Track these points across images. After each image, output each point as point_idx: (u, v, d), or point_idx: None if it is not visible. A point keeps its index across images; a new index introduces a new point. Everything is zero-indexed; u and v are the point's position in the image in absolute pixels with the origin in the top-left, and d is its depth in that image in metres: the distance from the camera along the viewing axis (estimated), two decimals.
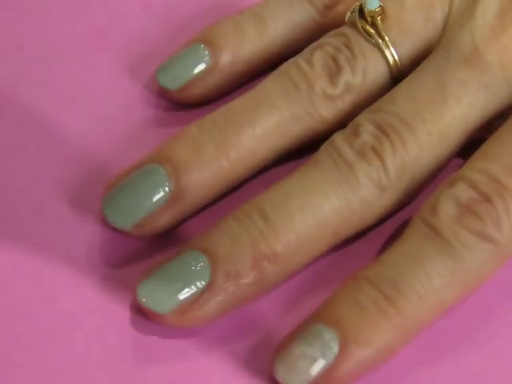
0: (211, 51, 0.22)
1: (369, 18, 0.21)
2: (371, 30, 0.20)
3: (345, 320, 0.18)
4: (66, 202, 0.21)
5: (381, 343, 0.18)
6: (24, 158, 0.22)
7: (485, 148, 0.19)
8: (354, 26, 0.21)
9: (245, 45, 0.22)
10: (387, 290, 0.18)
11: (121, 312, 0.20)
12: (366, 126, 0.19)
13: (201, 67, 0.22)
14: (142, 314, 0.19)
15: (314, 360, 0.18)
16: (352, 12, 0.21)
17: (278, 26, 0.23)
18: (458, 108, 0.20)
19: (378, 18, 0.21)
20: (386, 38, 0.20)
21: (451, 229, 0.18)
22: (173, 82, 0.22)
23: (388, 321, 0.18)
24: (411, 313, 0.18)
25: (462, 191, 0.19)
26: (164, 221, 0.20)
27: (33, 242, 0.21)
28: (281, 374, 0.18)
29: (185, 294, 0.18)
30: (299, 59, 0.21)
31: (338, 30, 0.21)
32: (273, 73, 0.21)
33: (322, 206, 0.19)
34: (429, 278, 0.18)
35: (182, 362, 0.19)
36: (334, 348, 0.18)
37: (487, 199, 0.18)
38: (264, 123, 0.20)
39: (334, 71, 0.20)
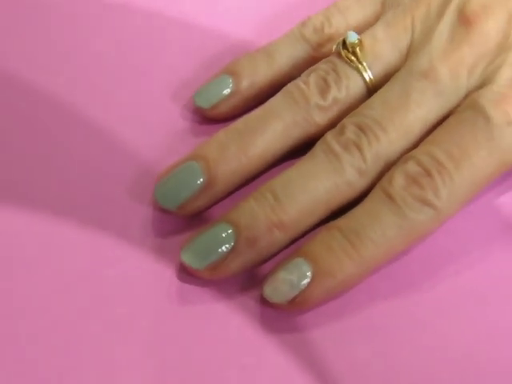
0: (234, 79, 0.26)
1: (350, 49, 0.25)
2: (352, 58, 0.25)
3: (318, 257, 0.22)
4: (128, 191, 0.26)
5: (343, 276, 0.22)
6: (96, 160, 0.26)
7: (433, 135, 0.23)
8: (339, 54, 0.25)
9: (258, 74, 0.27)
10: (351, 237, 0.22)
11: (169, 270, 0.24)
12: (349, 126, 0.24)
13: (226, 91, 0.26)
14: (184, 271, 0.23)
15: (292, 284, 0.22)
16: (337, 44, 0.25)
17: (283, 59, 0.27)
18: (418, 111, 0.24)
19: (357, 48, 0.25)
20: (364, 63, 0.25)
21: (401, 195, 0.22)
22: (205, 102, 0.26)
23: (350, 260, 0.22)
24: (368, 255, 0.22)
25: (411, 167, 0.23)
26: (199, 203, 0.24)
27: (103, 221, 0.25)
28: (267, 293, 0.22)
29: (215, 255, 0.22)
30: (298, 81, 0.25)
31: (328, 58, 0.26)
32: (279, 92, 0.25)
33: (317, 187, 0.23)
34: (382, 231, 0.22)
35: (209, 310, 0.23)
36: (308, 277, 0.22)
37: (429, 174, 0.22)
38: (273, 129, 0.24)
39: (324, 89, 0.25)
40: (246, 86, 0.26)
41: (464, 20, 0.24)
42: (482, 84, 0.24)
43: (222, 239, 0.22)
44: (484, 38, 0.24)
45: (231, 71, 0.27)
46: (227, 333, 0.23)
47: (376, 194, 0.23)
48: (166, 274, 0.23)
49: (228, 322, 0.23)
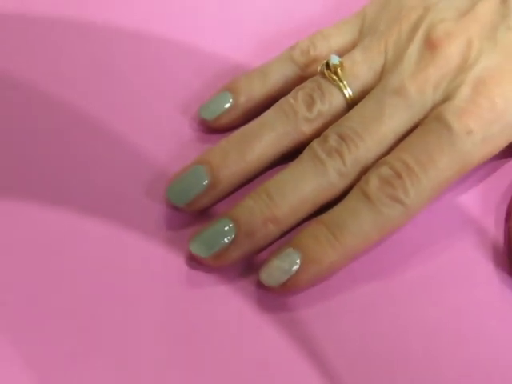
0: (233, 95, 0.28)
1: (332, 69, 0.27)
2: (334, 77, 0.27)
3: (306, 247, 0.24)
4: (144, 191, 0.28)
5: (327, 263, 0.24)
6: (118, 165, 0.29)
7: (404, 143, 0.25)
8: (323, 74, 0.27)
9: (254, 90, 0.28)
10: (334, 230, 0.24)
11: (179, 258, 0.26)
12: (332, 135, 0.26)
13: (227, 106, 0.28)
14: (192, 259, 0.25)
15: (284, 271, 0.24)
16: (322, 65, 0.27)
17: (275, 78, 0.29)
18: (391, 122, 0.26)
19: (339, 69, 0.27)
20: (344, 82, 0.27)
21: (376, 194, 0.24)
22: (209, 115, 0.28)
23: (333, 249, 0.24)
24: (348, 245, 0.24)
25: (385, 171, 0.25)
26: (205, 201, 0.26)
27: (124, 217, 0.27)
28: (263, 278, 0.24)
29: (219, 245, 0.25)
30: (289, 97, 0.27)
31: (313, 77, 0.28)
32: (272, 106, 0.27)
33: (305, 187, 0.25)
34: (360, 224, 0.24)
35: (213, 292, 0.25)
36: (298, 264, 0.24)
37: (399, 176, 0.24)
38: (267, 138, 0.26)
39: (310, 104, 0.27)
40: (244, 100, 0.28)
41: (430, 45, 0.26)
42: (445, 99, 0.26)
43: (224, 232, 0.25)
44: (446, 61, 0.26)
45: (231, 88, 0.29)
46: (228, 311, 0.25)
47: (355, 193, 0.25)
48: (176, 262, 0.26)
49: (229, 302, 0.25)
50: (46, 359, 0.24)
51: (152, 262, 0.26)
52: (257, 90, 0.29)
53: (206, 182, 0.26)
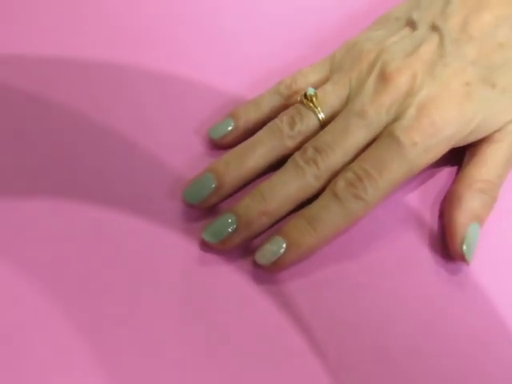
0: (234, 120, 0.31)
1: (309, 98, 0.30)
2: (310, 104, 0.30)
3: (290, 234, 0.28)
4: (166, 193, 0.31)
5: (306, 246, 0.28)
6: (144, 173, 0.31)
7: (364, 154, 0.28)
8: (302, 102, 0.30)
9: (250, 116, 0.31)
10: (312, 221, 0.27)
11: (194, 244, 0.29)
12: (309, 148, 0.29)
13: (229, 128, 0.31)
14: (204, 244, 0.29)
15: (273, 252, 0.28)
16: (301, 96, 0.30)
17: (266, 106, 0.31)
18: (354, 138, 0.28)
19: (314, 98, 0.30)
20: (318, 108, 0.30)
21: (343, 193, 0.27)
22: (216, 135, 0.31)
23: (310, 236, 0.28)
24: (322, 232, 0.28)
25: (349, 175, 0.28)
26: (213, 200, 0.29)
27: (149, 214, 0.30)
28: (257, 258, 0.28)
29: (224, 234, 0.28)
30: (276, 120, 0.30)
31: (295, 105, 0.30)
32: (264, 127, 0.30)
33: (289, 188, 0.28)
34: (331, 217, 0.28)
35: (219, 270, 0.29)
36: (283, 247, 0.27)
37: (360, 180, 0.27)
38: (259, 151, 0.29)
39: (292, 124, 0.29)
40: (242, 124, 0.31)
41: (384, 78, 0.29)
42: (395, 119, 0.28)
43: (228, 224, 0.28)
44: (396, 89, 0.29)
45: (232, 115, 0.32)
46: (230, 285, 0.28)
47: (327, 192, 0.28)
48: (190, 247, 0.29)
49: (231, 277, 0.29)
50: (96, 325, 0.28)
51: (172, 248, 0.29)
52: (252, 116, 0.31)
53: (214, 185, 0.29)
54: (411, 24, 0.31)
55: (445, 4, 0.31)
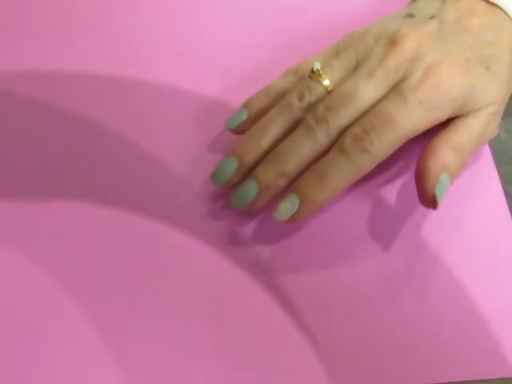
0: (247, 109, 0.33)
1: (316, 72, 0.31)
2: (318, 77, 0.31)
3: (301, 191, 0.29)
4: (167, 195, 0.34)
5: (317, 201, 0.29)
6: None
7: (372, 109, 0.29)
8: (310, 77, 0.31)
9: (261, 103, 0.33)
10: (321, 177, 0.29)
11: (195, 241, 0.32)
12: (320, 108, 0.30)
13: (243, 117, 0.33)
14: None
15: (288, 210, 0.30)
16: (309, 72, 0.31)
17: (275, 92, 0.33)
18: (361, 97, 0.29)
19: (320, 71, 0.31)
20: (326, 79, 0.31)
21: (349, 147, 0.29)
22: (232, 125, 0.33)
23: (319, 191, 0.29)
24: (331, 187, 0.29)
25: (356, 129, 0.29)
26: (236, 179, 0.32)
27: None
28: (276, 216, 0.30)
29: (249, 199, 0.31)
30: (286, 96, 0.31)
31: (303, 81, 0.31)
32: (276, 104, 0.31)
33: (302, 149, 0.30)
34: (339, 171, 0.29)
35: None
36: (297, 204, 0.29)
37: (366, 133, 0.28)
38: (272, 128, 0.31)
39: (301, 97, 0.31)
40: (255, 112, 0.33)
41: (391, 42, 0.30)
42: (403, 79, 0.29)
43: (251, 190, 0.31)
44: (404, 52, 0.30)
45: (245, 105, 0.34)
46: (231, 279, 0.31)
47: (334, 148, 0.29)
48: (195, 244, 0.32)
49: (231, 271, 0.32)
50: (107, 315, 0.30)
51: (178, 244, 0.32)
52: (263, 103, 0.33)
53: (235, 165, 0.31)
54: (410, 16, 0.33)
55: (440, 6, 0.33)
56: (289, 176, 0.30)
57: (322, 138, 0.30)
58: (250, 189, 0.31)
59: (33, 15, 0.40)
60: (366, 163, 0.29)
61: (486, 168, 0.35)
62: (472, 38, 0.31)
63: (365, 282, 0.31)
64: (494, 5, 0.32)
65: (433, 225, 0.33)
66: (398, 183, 0.34)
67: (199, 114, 0.36)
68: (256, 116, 0.33)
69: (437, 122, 0.30)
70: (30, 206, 0.33)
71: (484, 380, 0.29)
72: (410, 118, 0.29)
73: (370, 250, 0.32)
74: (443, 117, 0.30)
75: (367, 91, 0.30)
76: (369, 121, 0.29)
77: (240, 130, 0.34)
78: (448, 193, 0.32)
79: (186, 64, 0.38)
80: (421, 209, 0.33)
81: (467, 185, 0.34)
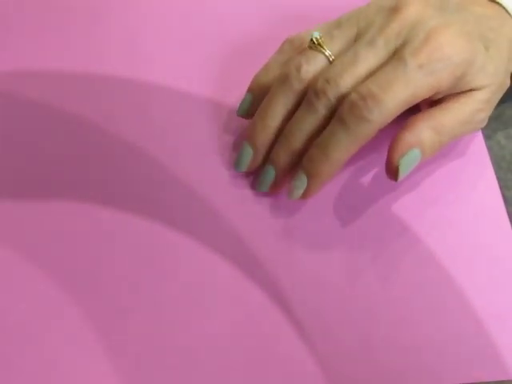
0: (251, 92, 0.33)
1: (315, 41, 0.31)
2: (317, 46, 0.31)
3: (308, 168, 0.30)
4: (167, 196, 0.34)
5: (324, 174, 0.30)
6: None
7: (372, 76, 0.29)
8: (310, 46, 0.31)
9: (263, 82, 0.33)
10: (323, 149, 0.29)
11: (193, 243, 0.32)
12: (319, 80, 0.30)
13: (249, 101, 0.34)
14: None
15: (298, 187, 0.31)
16: (309, 41, 0.31)
17: (274, 68, 0.33)
18: (362, 65, 0.29)
19: (320, 40, 0.30)
20: (325, 48, 0.31)
21: (347, 116, 0.29)
22: (242, 112, 0.34)
23: (324, 163, 0.30)
24: (333, 158, 0.30)
25: (353, 96, 0.28)
26: (254, 165, 0.33)
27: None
28: (289, 196, 0.31)
29: (269, 182, 0.33)
30: (284, 68, 0.32)
31: (303, 50, 0.31)
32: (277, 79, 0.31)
33: (305, 125, 0.30)
34: (339, 142, 0.29)
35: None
36: (306, 180, 0.31)
37: (364, 99, 0.28)
38: (274, 106, 0.31)
39: (299, 67, 0.31)
40: (258, 92, 0.33)
41: (393, 10, 0.30)
42: (404, 44, 0.29)
43: (270, 174, 0.32)
44: (407, 17, 0.30)
45: (249, 88, 0.34)
46: (227, 279, 0.32)
47: (334, 119, 0.29)
48: (193, 245, 0.33)
49: (227, 272, 0.32)
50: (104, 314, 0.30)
51: (175, 245, 0.33)
52: (264, 81, 0.33)
53: (251, 151, 0.33)
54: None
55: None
56: (298, 153, 0.31)
57: (322, 110, 0.30)
58: (269, 173, 0.32)
59: (32, 15, 0.40)
60: (366, 131, 0.29)
61: (485, 173, 0.34)
62: (474, 19, 0.31)
63: (363, 283, 0.31)
64: (497, 3, 0.32)
65: (431, 229, 0.33)
66: (395, 186, 0.34)
67: (199, 114, 0.37)
68: (260, 97, 0.33)
69: (436, 89, 0.29)
70: (29, 205, 0.33)
71: (480, 383, 0.29)
72: (410, 83, 0.28)
73: (367, 251, 0.32)
74: (443, 84, 0.29)
75: (367, 59, 0.29)
76: (367, 87, 0.28)
77: (250, 115, 0.34)
78: (446, 197, 0.33)
79: (186, 64, 0.39)
80: (417, 212, 0.33)
81: (466, 189, 0.34)
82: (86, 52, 0.39)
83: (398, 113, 0.29)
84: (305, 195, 0.31)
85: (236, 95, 0.37)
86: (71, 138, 0.36)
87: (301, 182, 0.30)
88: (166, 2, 0.41)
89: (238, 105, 0.34)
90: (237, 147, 0.35)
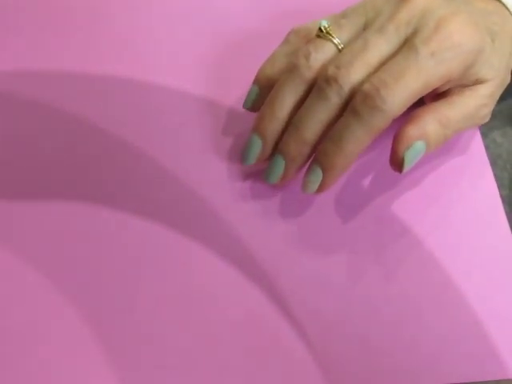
0: (258, 84, 0.33)
1: (324, 30, 0.30)
2: (325, 34, 0.30)
3: (322, 160, 0.30)
4: (168, 196, 0.34)
5: (338, 167, 0.30)
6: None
7: (383, 66, 0.28)
8: (318, 35, 0.30)
9: (268, 74, 0.32)
10: (337, 142, 0.29)
11: (192, 243, 0.32)
12: (329, 67, 0.29)
13: (255, 93, 0.33)
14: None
15: (313, 182, 0.30)
16: (317, 30, 0.30)
17: (279, 60, 0.32)
18: (372, 52, 0.29)
19: (329, 29, 0.30)
20: (334, 36, 0.30)
21: (360, 107, 0.28)
22: (248, 105, 0.34)
23: (338, 157, 0.29)
24: (347, 151, 0.29)
25: (366, 87, 0.28)
26: (263, 157, 0.32)
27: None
28: (304, 190, 0.31)
29: (279, 173, 0.32)
30: (292, 58, 0.31)
31: (311, 39, 0.31)
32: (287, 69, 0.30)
33: (316, 113, 0.29)
34: (353, 133, 0.29)
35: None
36: (320, 174, 0.30)
37: (377, 89, 0.28)
38: (283, 96, 0.31)
39: (308, 56, 0.30)
40: (264, 84, 0.33)
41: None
42: (414, 32, 0.29)
43: (279, 165, 0.32)
44: (415, 6, 0.29)
45: (255, 80, 0.33)
46: (226, 279, 0.32)
47: (347, 110, 0.29)
48: (192, 245, 0.32)
49: (226, 272, 0.32)
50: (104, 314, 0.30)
51: (174, 246, 0.33)
52: (270, 73, 0.33)
53: (259, 143, 0.32)
54: None
55: None
56: (310, 143, 0.30)
57: (334, 98, 0.29)
58: (278, 164, 0.31)
59: (32, 15, 0.40)
60: (379, 122, 0.28)
61: (482, 171, 0.35)
62: (480, 12, 0.31)
63: (363, 283, 0.31)
64: (497, 0, 0.33)
65: (431, 229, 0.33)
66: (394, 187, 0.34)
67: (199, 113, 0.36)
68: (267, 89, 0.33)
69: (447, 78, 0.29)
70: (29, 205, 0.33)
71: (478, 382, 0.29)
72: (422, 72, 0.28)
73: (366, 251, 0.32)
74: (454, 72, 0.29)
75: (378, 46, 0.29)
76: (379, 77, 0.28)
77: (256, 108, 0.34)
78: (444, 196, 0.33)
79: (185, 64, 0.38)
80: (417, 212, 0.33)
81: (463, 188, 0.34)
82: (86, 52, 0.39)
83: (411, 102, 0.29)
84: (320, 189, 0.31)
85: (236, 94, 0.37)
86: (71, 138, 0.35)
87: (316, 176, 0.30)
88: (165, 1, 0.41)
89: (245, 98, 0.34)
90: (237, 147, 0.35)
